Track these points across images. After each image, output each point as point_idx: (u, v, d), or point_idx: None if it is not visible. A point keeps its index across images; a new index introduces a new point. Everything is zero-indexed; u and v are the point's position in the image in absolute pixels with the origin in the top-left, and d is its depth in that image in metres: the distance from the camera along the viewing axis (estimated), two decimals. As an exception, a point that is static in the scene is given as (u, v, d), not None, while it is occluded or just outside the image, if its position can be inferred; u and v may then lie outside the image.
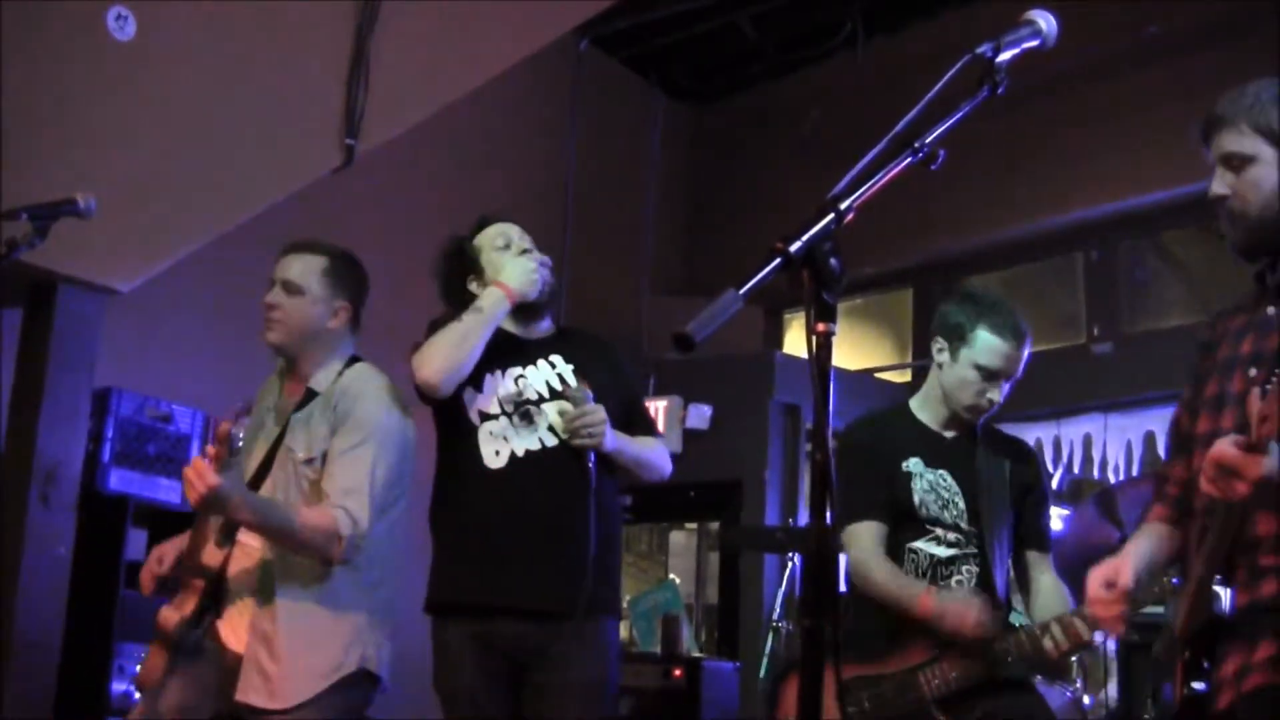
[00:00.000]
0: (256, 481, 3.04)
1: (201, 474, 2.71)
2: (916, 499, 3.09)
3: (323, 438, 2.97)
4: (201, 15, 4.31)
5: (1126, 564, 2.14)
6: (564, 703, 2.89)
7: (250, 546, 3.02)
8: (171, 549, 3.12)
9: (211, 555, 3.02)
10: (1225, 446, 1.82)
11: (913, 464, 3.12)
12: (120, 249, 4.20)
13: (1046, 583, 3.13)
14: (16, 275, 3.83)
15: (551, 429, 2.97)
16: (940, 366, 3.16)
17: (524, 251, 3.10)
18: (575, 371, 3.05)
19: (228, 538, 3.02)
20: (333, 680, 2.88)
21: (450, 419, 3.00)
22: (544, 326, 3.17)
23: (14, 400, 4.22)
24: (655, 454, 3.14)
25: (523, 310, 3.06)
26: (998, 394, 3.09)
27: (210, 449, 2.79)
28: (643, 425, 3.18)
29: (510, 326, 3.08)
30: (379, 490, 2.93)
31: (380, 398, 3.02)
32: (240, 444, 2.84)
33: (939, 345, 3.15)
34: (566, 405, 2.96)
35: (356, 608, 2.95)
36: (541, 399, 3.00)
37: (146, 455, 4.58)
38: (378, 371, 3.12)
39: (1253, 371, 1.94)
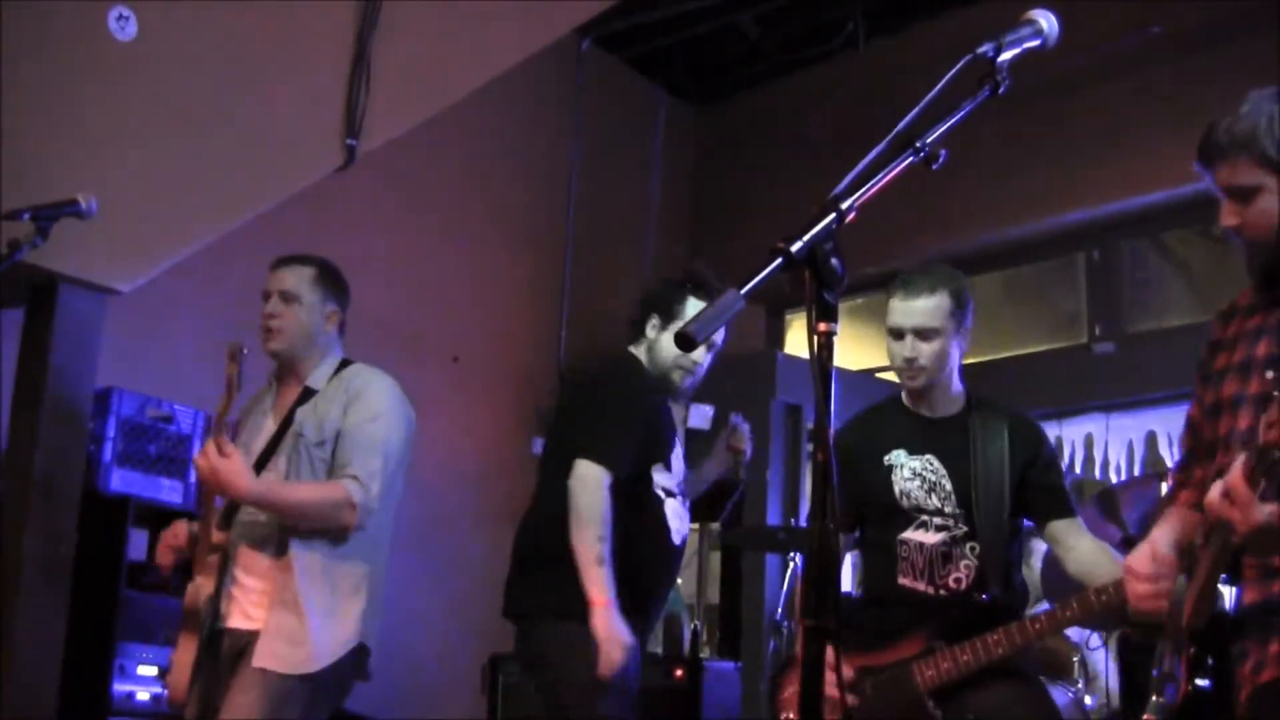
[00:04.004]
0: (259, 470, 3.12)
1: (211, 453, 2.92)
2: (897, 490, 3.11)
3: (334, 419, 3.10)
4: (202, 15, 4.30)
5: (1159, 542, 2.15)
6: None
7: (257, 521, 3.09)
8: (184, 526, 3.24)
9: (219, 537, 3.12)
10: (1238, 479, 1.79)
11: (894, 456, 3.15)
12: (120, 249, 4.19)
13: (1087, 546, 3.03)
14: (17, 275, 3.81)
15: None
16: None
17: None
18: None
19: (228, 521, 3.11)
20: (349, 648, 3.01)
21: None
22: None
23: (14, 400, 4.20)
24: None
25: None
26: (908, 350, 3.07)
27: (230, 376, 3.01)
28: None
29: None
30: (392, 465, 3.08)
31: (390, 387, 3.22)
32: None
33: None
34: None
35: (366, 582, 3.08)
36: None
37: (148, 455, 4.57)
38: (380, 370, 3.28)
39: (1269, 374, 1.94)
